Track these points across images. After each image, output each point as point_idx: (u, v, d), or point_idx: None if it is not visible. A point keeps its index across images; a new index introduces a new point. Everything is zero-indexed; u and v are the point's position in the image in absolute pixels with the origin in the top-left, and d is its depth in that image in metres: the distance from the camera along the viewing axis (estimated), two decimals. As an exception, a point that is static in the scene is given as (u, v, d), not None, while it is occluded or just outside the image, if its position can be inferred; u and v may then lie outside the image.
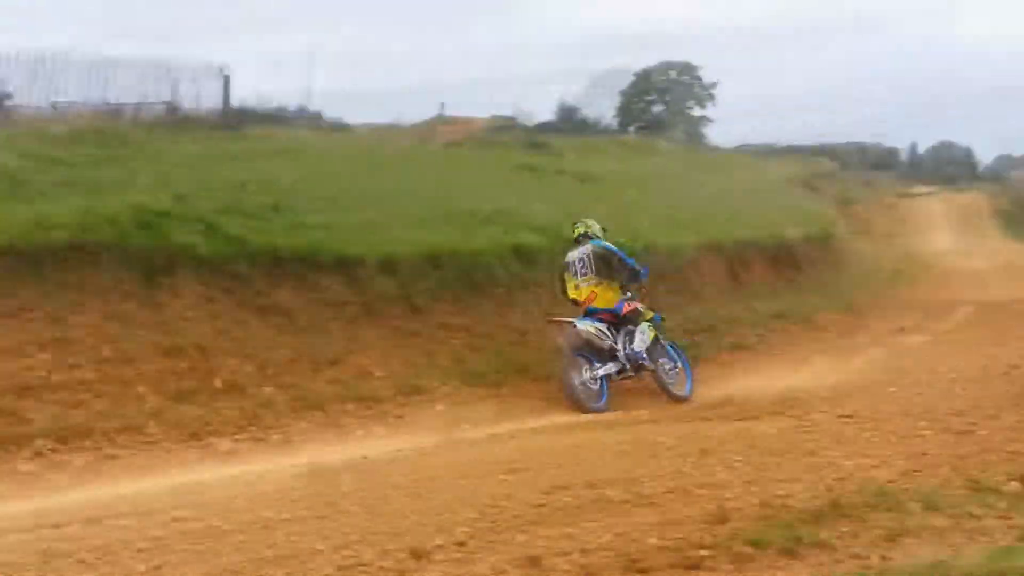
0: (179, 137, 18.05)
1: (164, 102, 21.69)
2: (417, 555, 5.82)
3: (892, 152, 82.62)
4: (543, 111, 53.40)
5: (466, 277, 13.32)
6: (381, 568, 5.67)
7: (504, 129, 44.70)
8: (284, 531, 6.40)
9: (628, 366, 11.37)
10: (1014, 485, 7.14)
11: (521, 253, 14.25)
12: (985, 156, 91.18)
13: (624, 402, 11.50)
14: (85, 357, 10.03)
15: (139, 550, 5.98)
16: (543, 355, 12.76)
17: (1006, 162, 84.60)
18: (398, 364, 11.75)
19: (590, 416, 10.73)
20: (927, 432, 9.11)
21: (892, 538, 6.05)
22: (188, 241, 11.46)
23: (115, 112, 20.09)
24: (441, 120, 49.24)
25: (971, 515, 6.43)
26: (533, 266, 14.20)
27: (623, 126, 62.54)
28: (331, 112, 39.73)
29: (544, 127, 47.72)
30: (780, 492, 7.14)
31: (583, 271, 11.81)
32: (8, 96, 19.47)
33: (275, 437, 9.87)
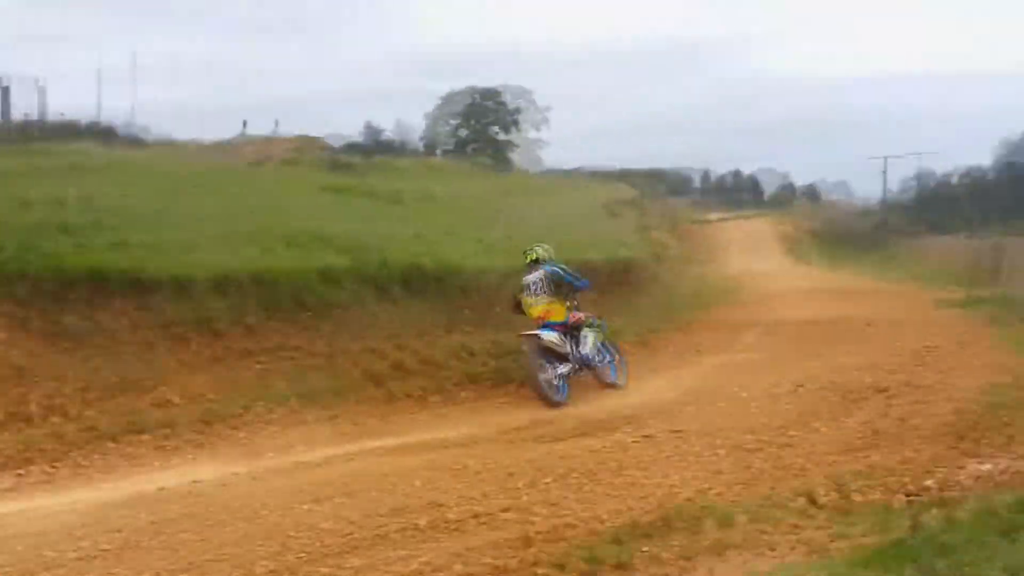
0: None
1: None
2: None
3: (688, 179, 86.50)
4: (350, 131, 52.90)
5: (270, 300, 12.89)
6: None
7: (309, 148, 44.07)
8: (73, 572, 6.01)
9: (578, 366, 13.15)
10: (801, 501, 7.48)
11: (327, 275, 13.89)
12: (774, 185, 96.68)
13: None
14: None
15: None
16: (351, 379, 12.57)
17: (793, 190, 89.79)
18: (197, 390, 11.26)
19: (398, 440, 10.53)
20: (723, 450, 9.46)
21: (689, 556, 6.22)
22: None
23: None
24: (245, 138, 48.08)
25: (762, 532, 6.69)
26: (339, 288, 13.88)
27: (431, 148, 62.86)
28: (127, 129, 38.18)
29: (351, 147, 47.29)
30: (584, 513, 7.26)
31: (538, 291, 13.45)
32: None
33: (98, 463, 9.46)
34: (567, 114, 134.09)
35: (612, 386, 13.50)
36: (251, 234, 14.85)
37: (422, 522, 7.08)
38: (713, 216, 61.59)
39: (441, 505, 7.54)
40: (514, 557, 6.29)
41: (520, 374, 13.32)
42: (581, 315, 13.68)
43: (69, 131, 28.34)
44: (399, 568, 6.15)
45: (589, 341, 13.41)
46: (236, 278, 12.71)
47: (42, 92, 21.11)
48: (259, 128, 49.32)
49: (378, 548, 6.59)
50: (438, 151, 63.43)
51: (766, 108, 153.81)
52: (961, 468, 8.51)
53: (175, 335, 11.71)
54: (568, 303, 13.59)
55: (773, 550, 6.37)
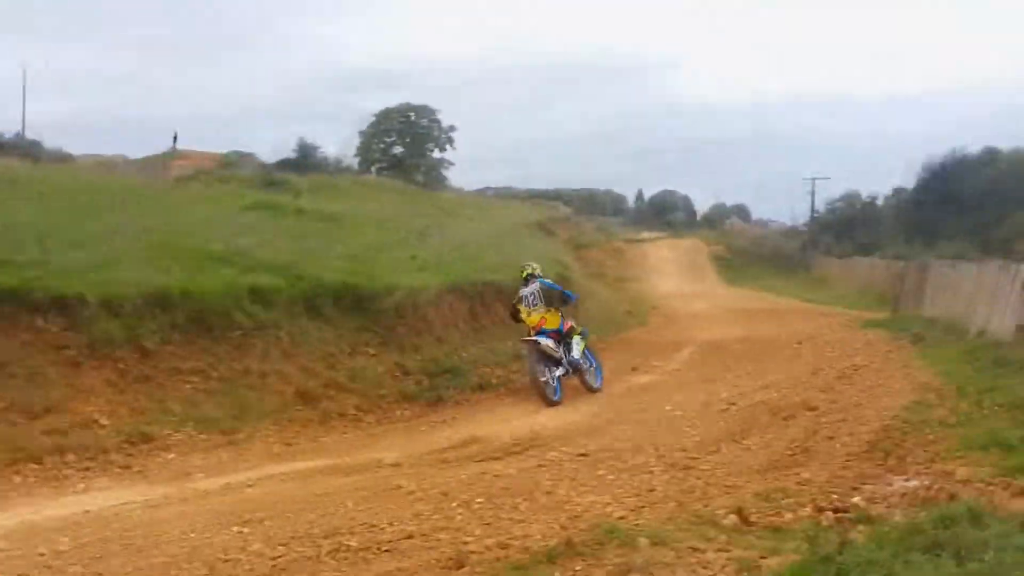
0: None
1: None
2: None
3: (621, 199, 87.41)
4: (282, 148, 52.36)
5: (199, 319, 12.63)
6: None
7: (240, 165, 43.65)
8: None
9: (569, 369, 14.72)
10: (732, 518, 7.57)
11: (257, 294, 13.69)
12: (702, 205, 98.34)
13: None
14: None
15: None
16: (283, 399, 12.40)
17: (720, 210, 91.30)
18: (125, 411, 10.97)
19: (331, 461, 10.42)
20: (656, 468, 9.57)
21: (621, 574, 6.24)
22: None
23: None
24: (173, 154, 47.44)
25: (694, 549, 6.74)
26: (270, 307, 13.69)
27: (363, 165, 62.56)
28: (53, 142, 37.42)
29: (283, 164, 46.83)
30: (517, 532, 7.26)
31: (535, 303, 15.17)
32: None
33: (21, 485, 9.07)
34: (472, 134, 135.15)
35: (594, 390, 15.01)
36: (179, 252, 14.56)
37: (354, 543, 7.01)
38: (646, 235, 62.30)
39: (374, 526, 7.48)
40: (447, 577, 6.28)
41: (448, 395, 13.90)
42: (572, 323, 15.36)
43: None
44: (330, 591, 6.09)
45: (579, 347, 15.03)
46: (165, 297, 12.42)
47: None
48: (188, 143, 48.71)
49: (309, 570, 6.52)
50: (372, 169, 63.16)
51: (676, 131, 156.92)
52: (888, 485, 8.70)
53: (102, 355, 11.40)
54: (560, 312, 15.21)
55: (705, 568, 6.42)
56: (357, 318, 15.02)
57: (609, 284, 34.92)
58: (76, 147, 43.15)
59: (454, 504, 8.18)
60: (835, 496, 8.30)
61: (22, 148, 34.07)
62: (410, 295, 16.13)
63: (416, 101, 67.59)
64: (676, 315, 27.27)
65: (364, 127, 66.61)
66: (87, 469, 9.69)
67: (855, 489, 8.61)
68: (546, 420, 12.60)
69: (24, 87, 63.60)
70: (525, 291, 15.38)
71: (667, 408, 12.95)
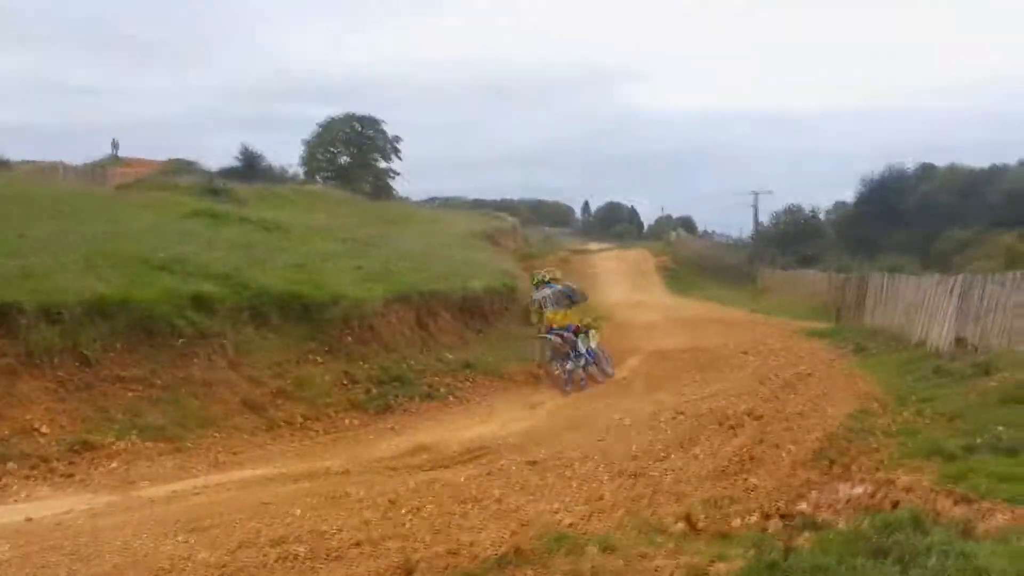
0: None
1: None
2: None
3: (568, 210, 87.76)
4: (225, 156, 51.88)
5: (140, 327, 12.41)
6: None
7: (182, 172, 43.08)
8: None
9: (582, 362, 16.49)
10: (680, 525, 7.62)
11: (200, 302, 13.48)
12: (648, 217, 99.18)
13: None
14: None
15: None
16: (228, 407, 12.24)
17: (666, 222, 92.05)
18: (66, 419, 10.73)
19: (278, 469, 10.30)
20: (605, 476, 9.62)
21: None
22: None
23: None
24: (114, 161, 46.74)
25: (643, 555, 6.77)
26: (214, 315, 13.49)
27: (308, 175, 62.12)
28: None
29: (226, 172, 46.28)
30: (466, 540, 7.24)
31: (549, 304, 17.30)
32: None
33: None
34: (417, 144, 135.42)
35: (608, 376, 16.98)
36: (119, 260, 14.33)
37: (302, 551, 6.95)
38: (593, 246, 62.51)
39: (322, 533, 7.42)
40: (395, 585, 6.24)
41: (396, 403, 13.96)
42: (579, 323, 17.42)
43: None
44: (276, 599, 6.01)
45: (588, 343, 16.98)
46: (104, 304, 12.20)
47: None
48: (129, 151, 48.04)
49: (255, 579, 6.43)
50: (318, 178, 62.73)
51: (622, 143, 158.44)
52: (834, 492, 8.79)
53: (40, 363, 11.16)
54: (569, 313, 17.36)
55: (655, 574, 6.44)
56: (303, 327, 14.88)
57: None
58: (13, 153, 42.26)
59: (403, 511, 8.15)
60: (781, 503, 8.39)
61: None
62: (357, 304, 16.03)
63: (363, 111, 67.40)
64: (624, 325, 27.27)
65: (308, 136, 66.26)
66: (28, 478, 9.49)
67: (801, 496, 8.72)
68: (495, 429, 12.60)
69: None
70: (538, 295, 17.73)
71: (616, 416, 13.00)
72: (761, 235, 64.85)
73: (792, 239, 60.06)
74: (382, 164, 67.46)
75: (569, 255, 51.66)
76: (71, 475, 9.70)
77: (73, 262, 13.52)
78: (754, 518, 7.89)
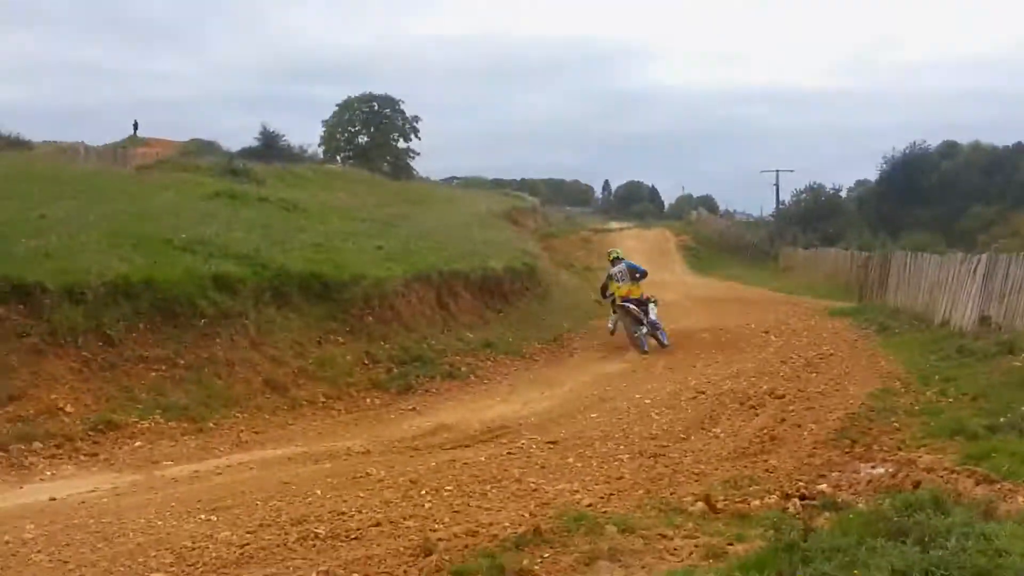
0: None
1: None
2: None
3: (588, 189, 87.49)
4: (245, 136, 52.10)
5: (163, 307, 12.48)
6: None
7: (203, 153, 43.20)
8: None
9: (648, 328, 18.16)
10: (699, 505, 7.62)
11: (222, 283, 13.56)
12: (669, 196, 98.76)
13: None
14: None
15: None
16: (251, 387, 12.31)
17: (687, 201, 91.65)
18: (91, 399, 10.81)
19: (299, 448, 10.34)
20: (624, 456, 9.62)
21: (589, 561, 6.26)
22: None
23: None
24: (135, 141, 46.91)
25: (662, 536, 6.78)
26: (236, 295, 13.56)
27: (328, 154, 62.19)
28: (10, 128, 36.78)
29: (246, 152, 46.41)
30: (485, 520, 7.27)
31: (623, 279, 18.94)
32: None
33: None
34: (435, 123, 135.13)
35: (664, 346, 18.10)
36: (141, 240, 14.43)
37: (322, 531, 7.00)
38: (614, 225, 62.36)
39: (342, 513, 7.46)
40: (415, 565, 6.27)
41: (417, 383, 14.08)
42: (648, 294, 18.98)
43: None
44: (296, 579, 6.04)
45: (654, 311, 18.50)
46: (127, 285, 12.29)
47: None
48: (149, 131, 48.20)
49: (276, 558, 6.49)
50: (338, 158, 62.81)
51: (641, 121, 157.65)
52: (854, 472, 8.78)
53: (65, 343, 11.24)
54: (639, 285, 18.93)
55: (673, 554, 6.45)
56: (324, 307, 14.94)
57: (577, 274, 34.89)
58: (34, 133, 42.53)
59: (423, 492, 8.18)
60: (801, 483, 8.37)
61: (10, 135, 33.54)
62: (377, 284, 16.08)
63: (379, 91, 67.37)
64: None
65: (327, 116, 66.33)
66: (53, 457, 9.55)
67: (821, 476, 8.71)
68: (516, 408, 12.61)
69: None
70: (613, 270, 19.24)
71: (636, 396, 12.99)
72: (782, 214, 64.47)
73: (814, 217, 59.70)
74: (401, 144, 67.48)
75: (590, 235, 51.58)
76: (95, 454, 9.77)
77: (95, 242, 13.62)
78: (774, 498, 7.86)
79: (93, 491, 8.41)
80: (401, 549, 6.59)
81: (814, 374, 14.28)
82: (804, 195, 64.44)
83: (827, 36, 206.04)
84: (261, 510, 7.61)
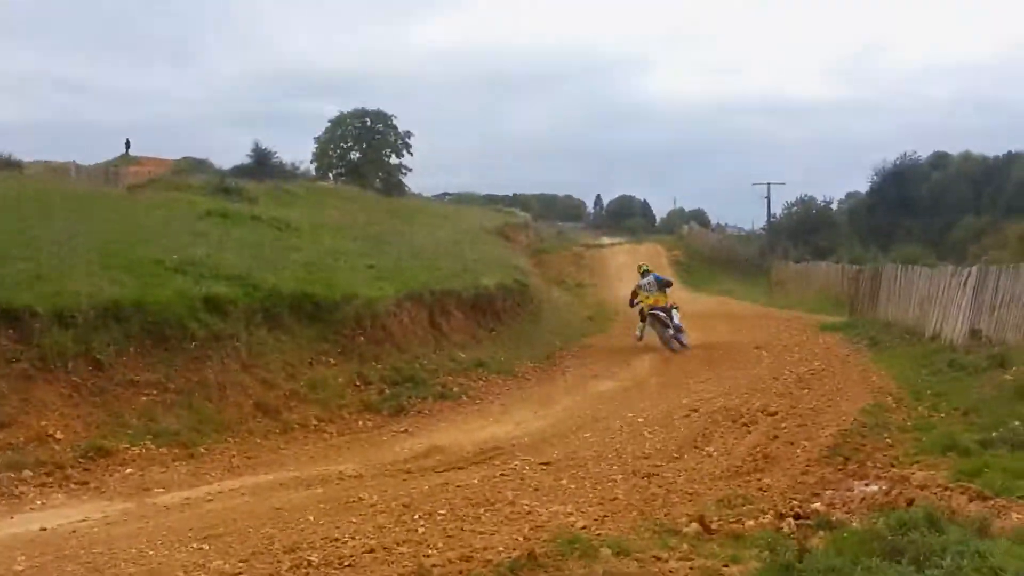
0: None
1: None
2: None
3: (580, 204, 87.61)
4: (237, 153, 52.11)
5: (154, 330, 12.41)
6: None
7: (194, 171, 43.16)
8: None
9: (673, 331, 20.38)
10: (694, 526, 7.61)
11: (213, 304, 13.47)
12: (660, 210, 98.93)
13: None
14: None
15: None
16: (242, 410, 12.25)
17: (678, 215, 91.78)
18: (80, 425, 10.70)
19: (292, 473, 10.27)
20: (618, 476, 9.60)
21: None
22: None
23: None
24: (127, 159, 46.89)
25: (657, 558, 6.76)
26: (227, 317, 13.49)
27: (320, 171, 62.14)
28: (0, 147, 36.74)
29: (238, 170, 46.36)
30: (479, 545, 7.23)
31: (651, 289, 21.16)
32: None
33: None
34: (430, 140, 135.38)
35: (685, 348, 20.26)
36: (132, 262, 14.32)
37: (315, 559, 6.93)
38: (606, 241, 62.39)
39: (336, 540, 7.40)
40: (410, 591, 6.24)
41: (410, 404, 14.00)
42: (672, 301, 21.30)
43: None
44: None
45: (677, 316, 20.78)
46: (118, 308, 12.19)
47: None
48: (141, 150, 48.18)
49: (268, 587, 6.44)
50: (330, 174, 62.78)
51: (632, 134, 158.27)
52: (848, 490, 8.78)
53: (54, 368, 11.15)
54: (666, 294, 21.29)
55: (669, 577, 6.44)
56: (316, 327, 14.88)
57: (569, 290, 34.98)
58: (25, 153, 42.45)
59: (416, 516, 8.13)
60: (796, 502, 8.38)
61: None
62: (369, 304, 16.03)
63: (371, 107, 67.34)
64: (637, 321, 27.35)
65: (319, 133, 66.28)
66: (43, 485, 9.43)
67: (816, 495, 8.71)
68: (509, 429, 12.56)
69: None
70: (643, 281, 21.55)
71: (629, 415, 12.97)
72: (774, 227, 64.57)
73: (805, 230, 59.82)
74: (393, 160, 67.43)
75: (582, 250, 51.64)
76: (86, 482, 9.65)
77: (86, 264, 13.51)
78: (768, 518, 7.87)
79: (84, 520, 8.31)
80: (396, 575, 6.55)
81: (806, 390, 14.31)
82: (795, 208, 64.63)
83: (817, 47, 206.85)
84: (253, 538, 7.54)
